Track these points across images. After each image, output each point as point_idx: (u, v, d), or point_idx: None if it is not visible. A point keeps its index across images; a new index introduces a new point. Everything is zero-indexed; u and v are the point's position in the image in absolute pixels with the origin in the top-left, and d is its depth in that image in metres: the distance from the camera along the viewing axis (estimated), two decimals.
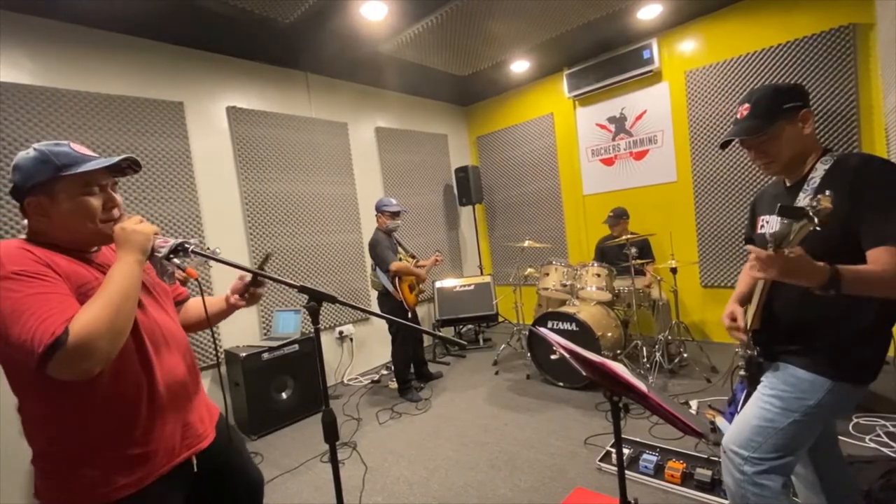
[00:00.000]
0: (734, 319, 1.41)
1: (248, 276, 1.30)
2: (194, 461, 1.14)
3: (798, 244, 1.03)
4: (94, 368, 0.89)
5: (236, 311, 1.35)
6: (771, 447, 1.26)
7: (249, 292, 1.32)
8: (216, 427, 1.25)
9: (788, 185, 1.37)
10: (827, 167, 1.25)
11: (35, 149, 1.01)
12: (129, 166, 1.11)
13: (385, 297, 3.58)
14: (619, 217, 4.11)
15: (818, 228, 0.97)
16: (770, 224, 1.40)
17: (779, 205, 1.04)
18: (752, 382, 1.40)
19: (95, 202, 1.04)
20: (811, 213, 0.95)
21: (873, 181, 1.16)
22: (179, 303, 1.36)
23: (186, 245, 1.12)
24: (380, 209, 3.62)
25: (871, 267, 1.11)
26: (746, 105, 1.33)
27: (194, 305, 1.39)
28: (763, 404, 1.30)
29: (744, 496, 1.29)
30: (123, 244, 1.03)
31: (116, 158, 1.06)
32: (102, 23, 2.88)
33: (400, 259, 3.58)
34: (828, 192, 0.94)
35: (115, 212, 1.08)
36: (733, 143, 1.39)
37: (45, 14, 2.69)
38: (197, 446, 1.15)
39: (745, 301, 1.45)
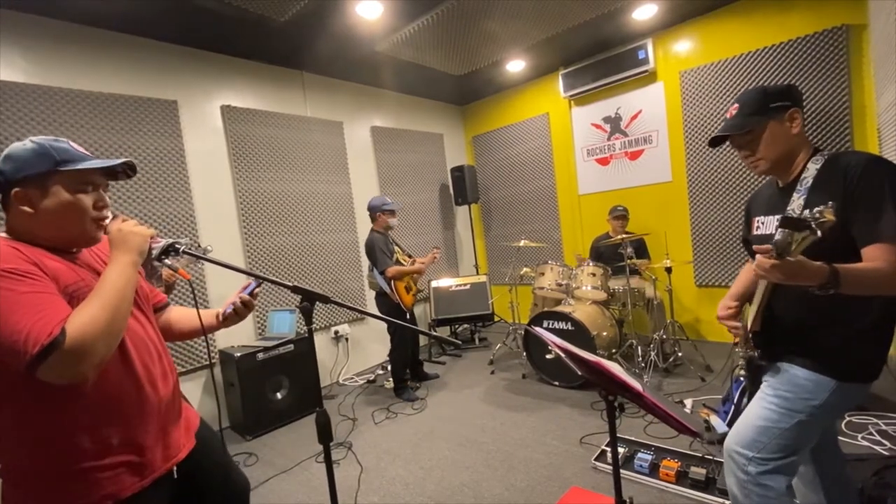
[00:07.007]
0: (729, 308, 1.41)
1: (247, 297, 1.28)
2: (174, 470, 1.12)
3: (800, 254, 1.01)
4: (89, 372, 0.86)
5: (225, 327, 1.32)
6: (775, 447, 1.25)
7: (243, 300, 1.27)
8: (196, 434, 1.23)
9: (781, 185, 1.38)
10: (818, 167, 1.25)
11: (33, 141, 0.99)
12: (123, 171, 1.10)
13: (382, 298, 3.57)
14: (624, 216, 4.10)
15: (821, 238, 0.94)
16: (766, 226, 1.41)
17: (781, 216, 1.02)
18: (752, 383, 1.39)
19: (88, 200, 1.02)
20: (814, 226, 0.93)
21: (864, 180, 1.16)
22: (158, 309, 1.30)
23: (177, 245, 1.11)
24: (380, 209, 3.56)
25: (867, 265, 1.11)
26: (735, 105, 1.36)
27: (177, 317, 1.34)
28: (767, 405, 1.29)
29: (747, 496, 1.28)
30: (120, 245, 1.01)
31: (116, 161, 1.05)
32: (96, 20, 2.85)
33: (397, 259, 3.58)
34: (830, 203, 0.92)
35: (106, 212, 1.06)
36: (725, 144, 1.41)
37: (39, 12, 2.66)
38: (177, 456, 1.12)
39: (741, 300, 1.45)
